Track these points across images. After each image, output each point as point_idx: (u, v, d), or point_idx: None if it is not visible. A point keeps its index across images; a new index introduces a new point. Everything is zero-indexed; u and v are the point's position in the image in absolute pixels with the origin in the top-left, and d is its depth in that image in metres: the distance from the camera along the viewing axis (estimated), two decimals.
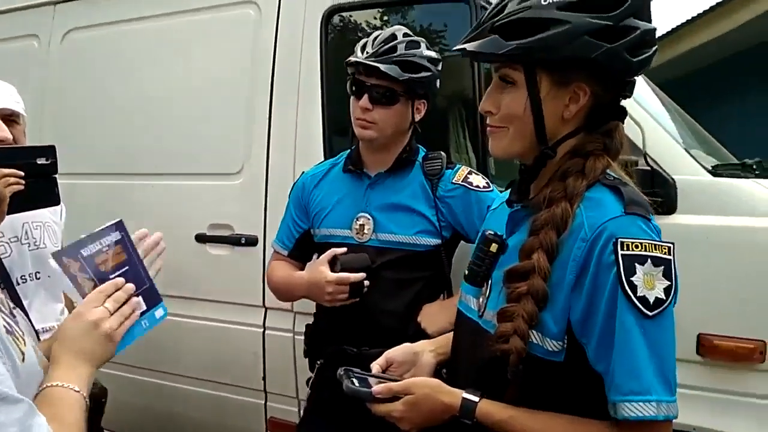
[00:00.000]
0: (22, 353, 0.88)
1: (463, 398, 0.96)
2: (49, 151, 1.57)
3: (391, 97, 1.51)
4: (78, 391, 0.88)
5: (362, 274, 1.50)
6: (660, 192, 1.51)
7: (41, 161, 1.54)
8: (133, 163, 2.39)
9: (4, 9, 2.72)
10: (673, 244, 0.87)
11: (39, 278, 1.75)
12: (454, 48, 0.98)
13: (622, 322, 0.84)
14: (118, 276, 1.02)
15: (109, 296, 0.97)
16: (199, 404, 2.32)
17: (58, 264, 0.99)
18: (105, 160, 2.44)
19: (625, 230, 0.87)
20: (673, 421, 0.85)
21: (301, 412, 2.08)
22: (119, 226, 1.08)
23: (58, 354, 0.93)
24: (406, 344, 1.23)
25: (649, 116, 1.68)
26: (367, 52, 1.49)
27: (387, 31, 1.53)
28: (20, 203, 1.48)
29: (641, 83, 2.13)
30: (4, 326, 0.87)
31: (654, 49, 0.94)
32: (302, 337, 1.97)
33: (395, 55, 1.48)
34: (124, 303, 0.98)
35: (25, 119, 1.73)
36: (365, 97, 1.51)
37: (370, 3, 2.03)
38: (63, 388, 0.88)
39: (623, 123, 0.99)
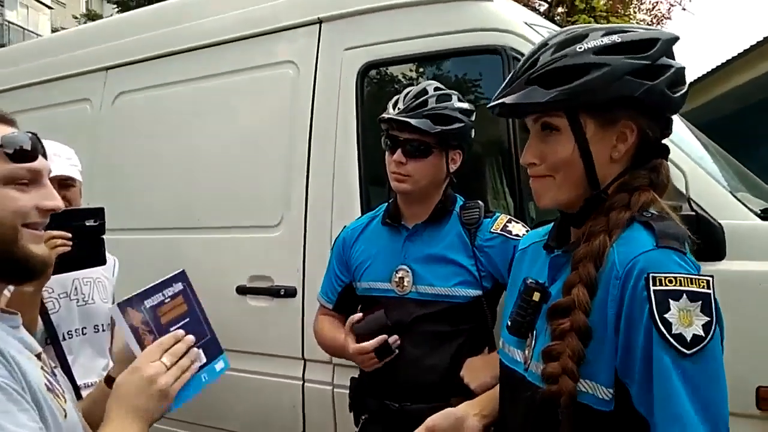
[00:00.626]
0: (64, 410, 0.90)
1: None
2: (99, 213, 1.65)
3: (425, 150, 1.53)
4: None
5: (380, 338, 1.47)
6: (707, 238, 1.46)
7: (90, 223, 1.61)
8: (177, 218, 2.47)
9: (60, 75, 2.91)
10: (712, 277, 0.83)
11: (85, 334, 1.79)
12: (490, 105, 0.99)
13: (659, 362, 0.81)
14: (179, 327, 1.02)
15: (167, 350, 0.97)
16: None
17: (120, 314, 0.98)
18: (150, 216, 2.53)
19: (657, 264, 0.84)
20: None
21: None
22: (181, 276, 1.09)
23: (111, 409, 0.93)
24: (448, 409, 1.19)
25: (690, 159, 1.65)
26: (399, 108, 1.53)
27: (418, 87, 1.56)
28: (67, 263, 1.53)
29: (681, 126, 2.11)
30: (46, 384, 0.89)
31: (687, 86, 0.96)
32: (342, 390, 1.97)
33: (426, 109, 1.51)
34: (183, 355, 0.98)
35: (81, 182, 1.82)
36: (399, 151, 1.54)
37: (403, 58, 2.09)
38: None
39: (667, 161, 0.99)
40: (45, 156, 0.93)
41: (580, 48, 0.91)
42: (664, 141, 1.00)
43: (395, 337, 1.49)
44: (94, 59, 2.79)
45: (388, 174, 1.59)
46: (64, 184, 1.73)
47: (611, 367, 0.87)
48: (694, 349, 0.80)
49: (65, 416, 0.90)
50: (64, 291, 1.77)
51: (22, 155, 0.88)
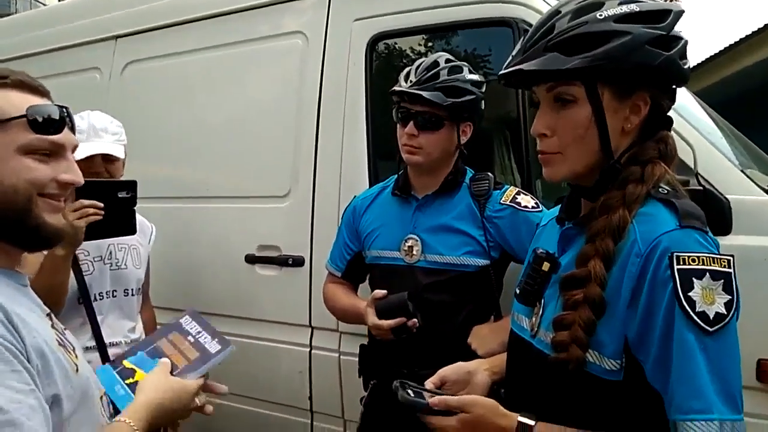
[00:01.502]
0: (76, 365, 0.94)
1: (519, 422, 0.95)
2: (131, 186, 1.73)
3: (436, 123, 1.54)
4: (130, 424, 0.96)
5: (399, 320, 1.48)
6: (713, 212, 1.47)
7: (122, 194, 1.70)
8: (187, 187, 2.49)
9: (70, 44, 2.90)
10: (732, 256, 0.85)
11: (116, 296, 1.88)
12: (502, 72, 0.97)
13: (680, 339, 0.83)
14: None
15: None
16: (245, 421, 2.35)
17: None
18: (161, 185, 2.54)
19: (681, 244, 0.85)
20: None
21: (347, 431, 2.09)
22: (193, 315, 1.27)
23: (147, 395, 1.04)
24: (460, 363, 1.24)
25: (700, 135, 1.65)
26: (411, 81, 1.53)
27: (429, 59, 1.56)
28: (99, 231, 1.62)
29: (691, 101, 2.10)
30: (57, 340, 0.93)
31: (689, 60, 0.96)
32: (348, 357, 2.01)
33: (438, 81, 1.51)
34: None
35: (125, 155, 1.87)
36: (411, 123, 1.55)
37: (413, 30, 2.08)
38: (125, 425, 0.95)
39: (671, 132, 0.99)
40: (73, 130, 0.95)
41: (601, 15, 0.90)
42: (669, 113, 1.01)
43: (414, 321, 1.50)
44: (104, 28, 2.79)
45: (399, 146, 1.60)
46: (107, 158, 1.80)
47: (619, 340, 0.89)
48: (716, 327, 0.82)
49: (77, 370, 0.93)
50: (99, 255, 1.84)
51: (45, 127, 0.89)
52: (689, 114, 1.71)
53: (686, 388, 0.82)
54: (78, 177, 0.95)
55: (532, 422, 0.94)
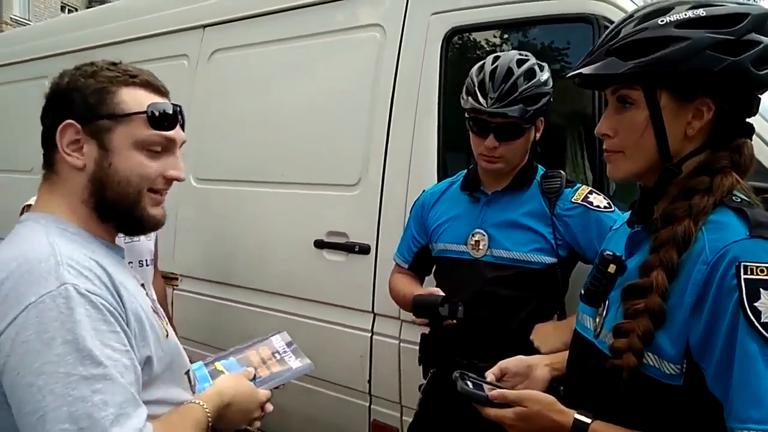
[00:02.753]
0: (166, 330, 1.03)
1: (575, 419, 0.97)
2: None
3: (517, 132, 1.54)
4: (204, 407, 1.02)
5: (421, 321, 1.58)
6: None
7: None
8: (262, 172, 2.60)
9: (160, 32, 3.08)
10: None
11: (131, 266, 2.03)
12: (569, 75, 1.01)
13: (743, 349, 0.82)
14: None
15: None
16: (304, 399, 2.43)
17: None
18: (239, 169, 2.68)
19: (750, 254, 0.84)
20: None
21: (403, 417, 2.15)
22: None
23: (222, 386, 1.12)
24: (521, 356, 1.25)
25: None
26: (491, 98, 1.49)
27: (502, 67, 1.51)
28: None
29: None
30: (152, 307, 1.02)
31: None
32: (407, 345, 2.06)
33: (517, 94, 1.48)
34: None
35: None
36: (491, 136, 1.53)
37: (490, 24, 2.07)
38: (198, 406, 1.02)
39: (751, 140, 0.97)
40: (183, 128, 1.04)
41: (662, 21, 0.91)
42: (754, 119, 0.98)
43: (450, 322, 1.54)
44: (193, 17, 2.94)
45: (474, 154, 1.60)
46: None
47: (680, 345, 0.89)
48: None
49: (167, 336, 1.03)
50: None
51: (161, 122, 0.99)
52: None
53: (746, 396, 0.82)
54: (181, 173, 1.04)
55: (588, 420, 0.96)
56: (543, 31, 2.07)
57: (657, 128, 0.93)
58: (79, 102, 0.96)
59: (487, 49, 2.15)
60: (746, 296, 0.82)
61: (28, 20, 18.22)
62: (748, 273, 0.83)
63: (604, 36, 0.97)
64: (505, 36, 2.16)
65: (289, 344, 1.35)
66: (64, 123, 0.96)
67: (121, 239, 1.99)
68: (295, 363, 1.28)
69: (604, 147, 1.02)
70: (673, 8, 0.92)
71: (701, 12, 0.90)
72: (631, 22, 0.94)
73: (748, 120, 0.97)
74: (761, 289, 0.82)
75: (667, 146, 0.94)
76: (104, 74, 0.98)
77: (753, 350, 0.81)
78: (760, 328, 0.81)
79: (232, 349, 1.35)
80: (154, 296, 2.13)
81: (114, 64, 1.01)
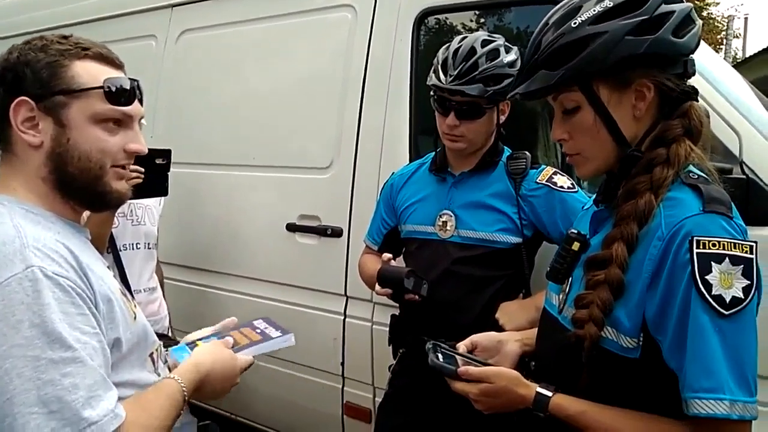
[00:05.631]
0: (134, 313, 1.02)
1: (537, 392, 1.00)
2: (166, 154, 1.96)
3: (477, 111, 1.55)
4: (179, 382, 1.01)
5: (384, 291, 1.54)
6: (756, 201, 1.45)
7: (159, 161, 1.92)
8: (233, 155, 2.57)
9: (127, 11, 3.01)
10: (755, 242, 0.86)
11: (137, 248, 2.11)
12: (508, 95, 1.06)
13: (695, 321, 0.85)
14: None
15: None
16: (277, 382, 2.44)
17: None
18: (208, 152, 2.64)
19: (703, 228, 0.87)
20: None
21: (376, 398, 2.17)
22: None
23: (199, 358, 1.10)
24: (492, 332, 1.28)
25: (748, 123, 1.61)
26: (450, 75, 1.51)
27: (465, 45, 1.53)
28: (138, 192, 1.82)
29: (745, 89, 2.03)
30: (120, 289, 1.01)
31: (698, 24, 0.96)
32: (380, 327, 2.07)
33: (477, 73, 1.50)
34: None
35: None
36: (452, 114, 1.55)
37: (462, 5, 2.06)
38: (173, 381, 1.01)
39: (697, 101, 0.99)
40: (141, 101, 1.02)
41: (575, 23, 0.93)
42: (716, 101, 1.00)
43: (412, 296, 1.53)
44: None
45: (440, 133, 1.61)
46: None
47: (637, 319, 0.91)
48: (732, 311, 0.84)
49: (135, 318, 1.02)
50: (122, 211, 2.04)
51: (117, 97, 0.96)
52: (738, 101, 1.66)
53: (698, 367, 0.84)
54: (143, 146, 1.02)
55: (549, 393, 0.98)
56: (515, 13, 2.07)
57: (607, 122, 0.95)
58: (30, 77, 0.93)
59: (461, 31, 2.15)
60: (698, 270, 0.84)
61: None
62: (701, 247, 0.85)
63: (528, 50, 1.00)
64: (480, 19, 2.15)
65: (271, 323, 1.34)
66: (17, 100, 0.93)
67: (128, 222, 2.05)
68: (275, 333, 1.28)
69: (563, 151, 1.04)
70: (582, 6, 0.95)
71: (608, 3, 0.93)
72: (548, 30, 0.97)
73: (688, 82, 0.99)
74: (713, 263, 0.84)
75: (622, 135, 0.96)
76: (55, 47, 0.95)
77: (704, 321, 0.84)
78: (711, 301, 0.84)
79: (213, 331, 1.34)
80: (157, 281, 2.19)
81: (65, 37, 0.98)
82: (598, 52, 0.92)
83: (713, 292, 0.84)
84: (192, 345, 1.27)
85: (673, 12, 0.93)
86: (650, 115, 0.98)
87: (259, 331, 1.30)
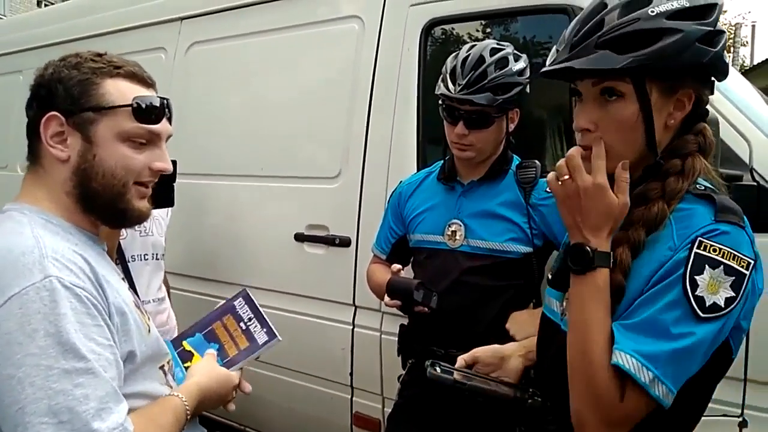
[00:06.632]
0: (148, 326, 1.02)
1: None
2: (172, 164, 1.92)
3: (486, 120, 1.54)
4: (183, 400, 1.02)
5: (394, 303, 1.52)
6: (767, 209, 1.44)
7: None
8: (241, 166, 2.58)
9: (138, 24, 3.04)
10: (755, 260, 0.86)
11: (145, 259, 2.09)
12: (548, 68, 0.96)
13: (668, 308, 0.84)
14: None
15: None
16: (286, 392, 2.44)
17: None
18: (217, 163, 2.66)
19: (711, 234, 0.86)
20: None
21: (385, 408, 2.16)
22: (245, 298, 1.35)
23: (199, 378, 1.12)
24: (495, 346, 1.27)
25: (757, 130, 1.61)
26: (459, 84, 1.51)
27: (474, 54, 1.52)
28: None
29: (755, 97, 2.03)
30: (134, 302, 1.01)
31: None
32: (388, 336, 2.06)
33: (486, 81, 1.49)
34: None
35: None
36: (461, 124, 1.54)
37: (469, 16, 2.08)
38: (177, 398, 1.03)
39: (707, 124, 0.99)
40: (170, 120, 1.03)
41: (653, 11, 0.89)
42: (727, 109, 1.00)
43: (422, 309, 1.51)
44: (170, 9, 2.90)
45: (448, 142, 1.61)
46: None
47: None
48: (708, 315, 0.83)
49: (149, 331, 1.02)
50: None
51: (147, 115, 0.97)
52: (748, 108, 1.66)
53: (641, 329, 0.85)
54: (168, 165, 1.03)
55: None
56: (522, 23, 2.08)
57: (647, 121, 0.92)
58: (62, 94, 0.95)
59: (467, 41, 2.16)
60: (690, 267, 0.84)
61: (3, 14, 17.87)
62: (701, 249, 0.85)
63: (580, 26, 0.93)
64: (486, 28, 2.16)
65: (252, 307, 1.33)
66: (47, 115, 0.95)
67: (136, 233, 2.06)
68: (261, 336, 1.28)
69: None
70: None
71: (685, 2, 0.89)
72: (612, 11, 0.91)
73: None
74: (707, 266, 0.84)
75: (655, 141, 0.93)
76: (88, 65, 0.97)
77: (676, 314, 0.84)
78: (692, 299, 0.83)
79: (196, 323, 1.34)
80: (165, 291, 2.17)
81: (99, 55, 1.00)
82: (670, 50, 0.88)
83: (696, 293, 0.83)
84: (181, 350, 1.27)
85: (723, 32, 0.91)
86: (676, 128, 0.96)
87: (243, 327, 1.30)
